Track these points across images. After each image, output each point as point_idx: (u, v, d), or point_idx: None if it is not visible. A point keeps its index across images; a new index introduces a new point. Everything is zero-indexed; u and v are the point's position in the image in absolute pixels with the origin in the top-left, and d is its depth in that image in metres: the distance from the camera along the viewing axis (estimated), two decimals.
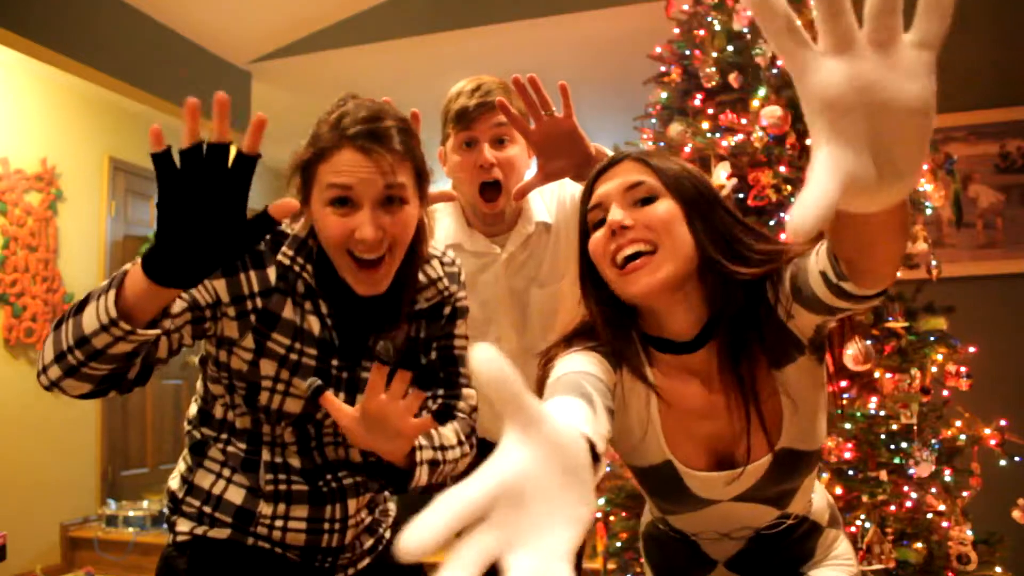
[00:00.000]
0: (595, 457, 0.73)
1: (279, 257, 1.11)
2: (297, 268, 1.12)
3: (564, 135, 1.28)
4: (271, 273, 1.11)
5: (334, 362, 1.16)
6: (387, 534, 1.36)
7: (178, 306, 1.03)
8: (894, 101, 0.48)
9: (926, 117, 0.49)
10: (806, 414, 1.04)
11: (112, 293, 0.90)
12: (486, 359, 0.47)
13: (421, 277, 1.21)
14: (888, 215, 0.69)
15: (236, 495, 1.19)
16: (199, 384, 1.24)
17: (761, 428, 1.03)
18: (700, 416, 1.06)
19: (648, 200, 1.03)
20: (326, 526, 1.21)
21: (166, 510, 1.26)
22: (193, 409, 1.25)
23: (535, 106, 1.26)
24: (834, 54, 0.49)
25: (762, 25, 0.50)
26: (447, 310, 1.27)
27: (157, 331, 0.94)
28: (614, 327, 1.08)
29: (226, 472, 1.20)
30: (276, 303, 1.11)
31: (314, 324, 1.14)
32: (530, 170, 1.48)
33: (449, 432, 1.22)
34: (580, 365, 1.00)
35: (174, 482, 1.25)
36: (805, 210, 0.47)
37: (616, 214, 1.01)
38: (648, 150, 1.10)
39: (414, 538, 0.44)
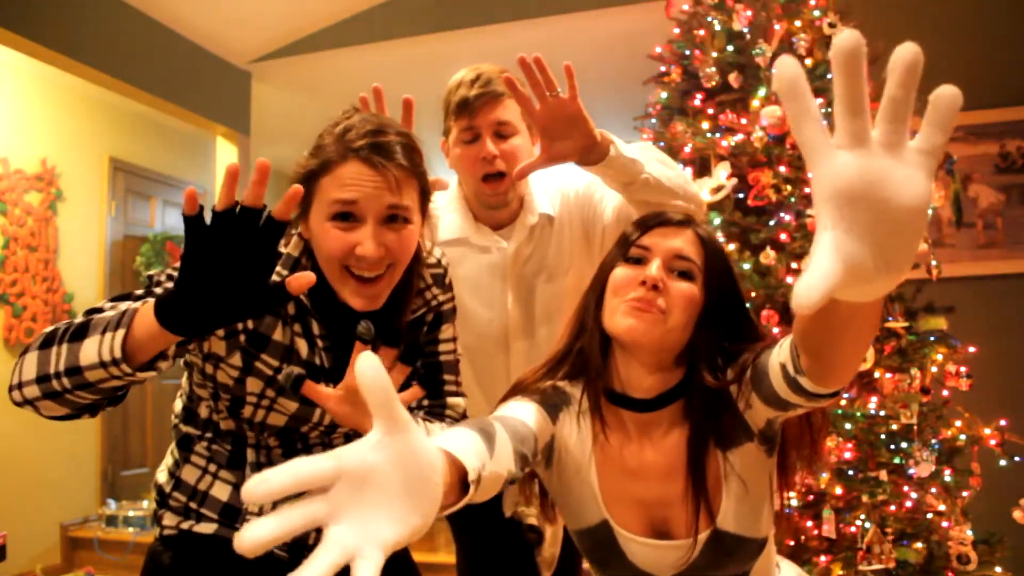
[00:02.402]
0: (465, 484, 0.77)
1: (272, 278, 1.10)
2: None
3: (568, 117, 1.28)
4: None
5: (322, 383, 1.14)
6: None
7: None
8: (896, 198, 0.53)
9: (921, 216, 0.54)
10: (749, 501, 1.06)
11: (121, 333, 0.88)
12: (368, 366, 0.55)
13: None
14: (867, 308, 0.72)
15: (222, 491, 1.18)
16: (184, 381, 1.22)
17: (703, 502, 1.05)
18: (638, 476, 1.08)
19: (685, 275, 1.07)
20: None
21: (153, 505, 1.25)
22: (179, 405, 1.24)
23: (540, 87, 1.26)
24: (849, 148, 0.53)
25: (787, 107, 0.54)
26: (430, 316, 1.25)
27: (153, 373, 0.93)
28: (591, 360, 1.11)
29: (212, 468, 1.19)
30: (267, 325, 1.10)
31: (302, 346, 1.12)
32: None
33: (436, 428, 1.22)
34: (509, 411, 1.05)
35: (162, 476, 1.24)
36: (810, 287, 0.51)
37: (656, 271, 1.06)
38: (708, 231, 1.13)
39: (257, 487, 0.53)
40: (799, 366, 0.89)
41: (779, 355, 0.95)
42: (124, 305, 0.98)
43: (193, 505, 1.19)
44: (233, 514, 1.19)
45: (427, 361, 1.27)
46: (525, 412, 1.05)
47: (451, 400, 1.29)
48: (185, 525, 1.19)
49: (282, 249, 1.13)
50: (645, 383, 1.08)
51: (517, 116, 1.49)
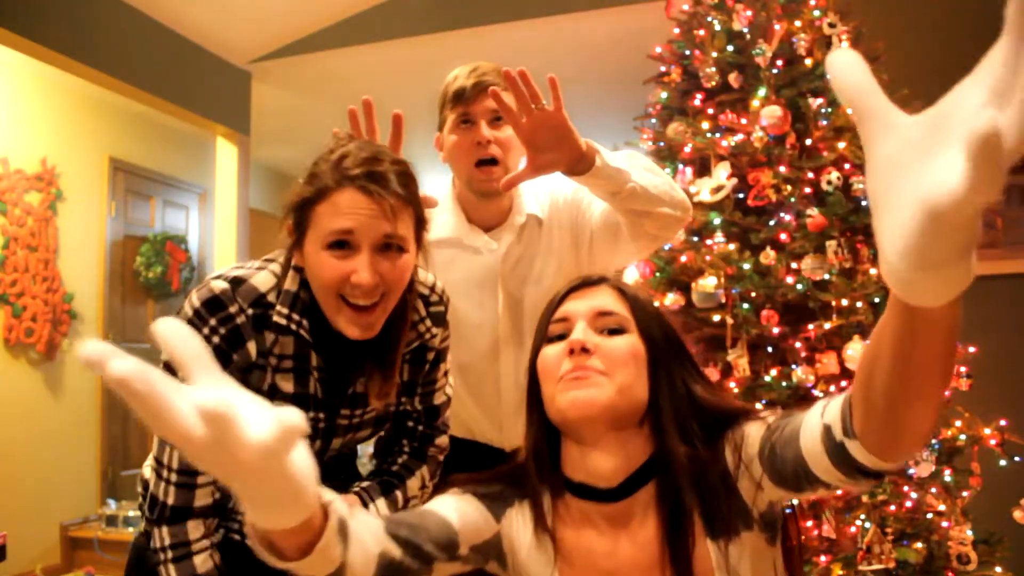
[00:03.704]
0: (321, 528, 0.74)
1: (276, 318, 1.09)
2: (294, 326, 1.10)
3: (554, 129, 1.28)
4: (251, 348, 1.09)
5: (310, 415, 1.14)
6: None
7: None
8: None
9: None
10: None
11: None
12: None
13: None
14: (949, 324, 0.62)
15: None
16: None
17: None
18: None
19: (616, 331, 0.96)
20: None
21: (140, 497, 1.22)
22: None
23: (525, 100, 1.27)
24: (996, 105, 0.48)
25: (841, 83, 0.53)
26: (431, 355, 1.25)
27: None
28: (536, 460, 0.98)
29: None
30: (257, 378, 1.11)
31: (285, 384, 1.13)
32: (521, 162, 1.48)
33: (415, 483, 1.25)
34: (437, 504, 0.95)
35: (147, 470, 1.21)
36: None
37: (581, 333, 0.94)
38: (626, 284, 1.03)
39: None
40: (851, 428, 0.74)
41: (825, 414, 0.78)
42: None
43: None
44: (221, 511, 1.17)
45: (426, 400, 1.28)
46: (455, 510, 0.94)
47: (439, 440, 1.31)
48: None
49: (261, 285, 1.11)
50: (607, 468, 0.92)
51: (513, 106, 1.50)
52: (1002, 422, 2.21)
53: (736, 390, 2.21)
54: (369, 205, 1.02)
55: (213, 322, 1.06)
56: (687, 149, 2.42)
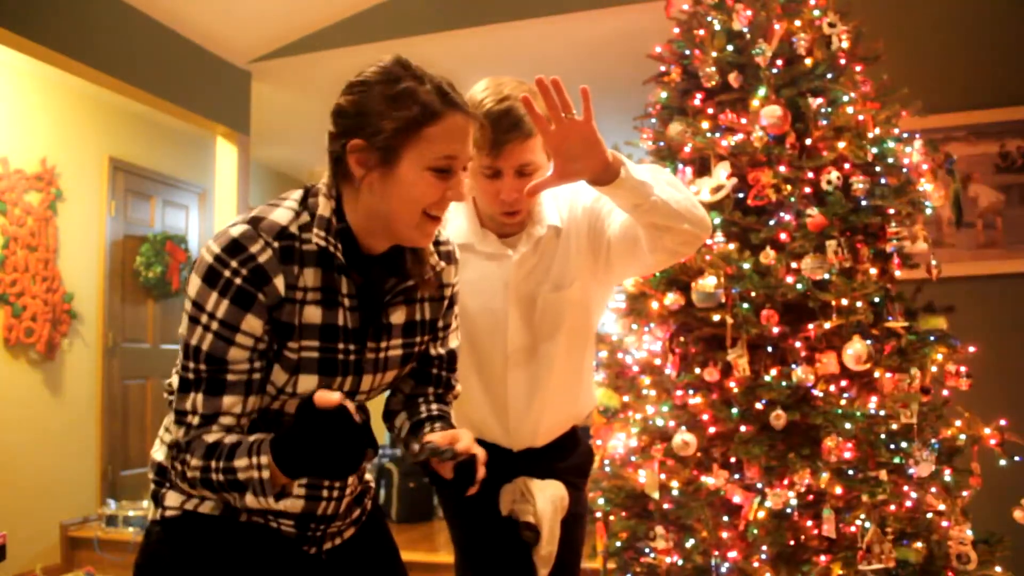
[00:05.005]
0: None
1: (315, 240, 1.11)
2: (332, 248, 1.12)
3: (582, 139, 1.29)
4: (279, 284, 1.10)
5: (340, 347, 1.15)
6: (368, 505, 1.36)
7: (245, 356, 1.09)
8: None
9: None
10: None
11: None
12: None
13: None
14: None
15: None
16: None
17: None
18: None
19: None
20: (324, 493, 1.21)
21: (152, 484, 1.21)
22: (176, 379, 1.19)
23: (556, 108, 1.27)
24: None
25: None
26: (448, 292, 1.30)
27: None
28: None
29: None
30: (287, 313, 1.11)
31: (313, 314, 1.13)
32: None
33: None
34: None
35: (159, 453, 1.21)
36: None
37: None
38: None
39: None
40: None
41: None
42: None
43: None
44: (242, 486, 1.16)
45: (444, 346, 1.33)
46: None
47: (456, 388, 1.36)
48: (190, 505, 1.17)
49: (281, 218, 1.13)
50: None
51: (540, 150, 1.49)
52: (1002, 422, 2.21)
53: (736, 390, 2.21)
54: (467, 130, 1.13)
55: (235, 264, 1.07)
56: (687, 149, 2.42)
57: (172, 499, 1.18)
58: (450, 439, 1.14)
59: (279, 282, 1.09)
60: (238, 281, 1.07)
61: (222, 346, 1.07)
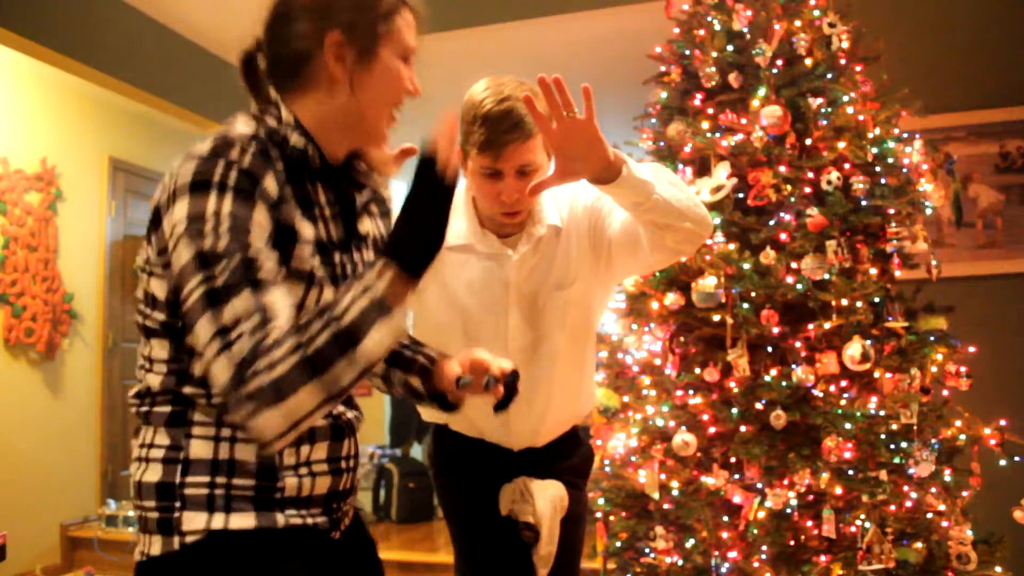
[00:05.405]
0: None
1: (293, 141, 1.06)
2: (311, 150, 1.07)
3: (585, 137, 1.29)
4: (270, 184, 0.99)
5: (336, 259, 1.09)
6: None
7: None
8: None
9: None
10: None
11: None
12: None
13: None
14: None
15: (247, 451, 1.01)
16: (156, 350, 1.04)
17: None
18: None
19: None
20: (343, 464, 1.12)
21: (153, 513, 1.00)
22: (154, 380, 1.04)
23: (558, 107, 1.27)
24: None
25: None
26: (391, 205, 1.25)
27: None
28: None
29: (226, 432, 1.01)
30: (286, 214, 1.01)
31: (307, 229, 1.04)
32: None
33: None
34: None
35: (152, 475, 1.01)
36: None
37: None
38: None
39: None
40: None
41: None
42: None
43: (220, 481, 0.99)
44: (270, 473, 1.02)
45: None
46: None
47: None
48: (217, 524, 0.98)
49: (248, 127, 1.07)
50: None
51: (541, 150, 1.49)
52: (1002, 422, 2.21)
53: (736, 390, 2.21)
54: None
55: (220, 170, 0.95)
56: (687, 149, 2.42)
57: (193, 520, 0.98)
58: (471, 365, 1.18)
59: (270, 182, 0.98)
60: (231, 182, 0.94)
61: (243, 238, 0.93)
